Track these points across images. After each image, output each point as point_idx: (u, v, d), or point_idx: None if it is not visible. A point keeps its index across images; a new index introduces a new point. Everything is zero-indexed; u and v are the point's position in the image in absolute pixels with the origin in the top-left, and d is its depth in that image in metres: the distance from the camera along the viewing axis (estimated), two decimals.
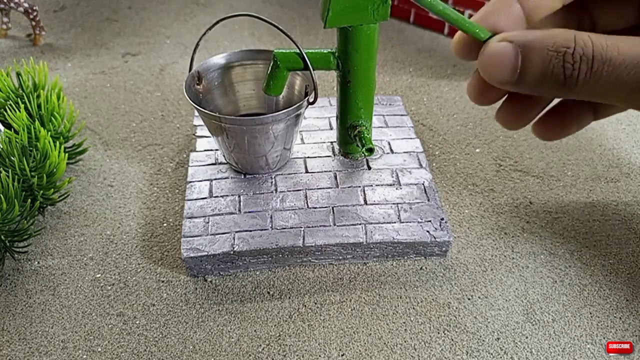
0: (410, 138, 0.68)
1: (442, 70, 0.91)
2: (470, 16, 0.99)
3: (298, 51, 0.53)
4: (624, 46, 0.18)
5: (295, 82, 0.62)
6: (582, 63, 0.18)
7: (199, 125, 0.70)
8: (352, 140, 0.59)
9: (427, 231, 0.56)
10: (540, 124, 0.24)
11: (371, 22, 0.50)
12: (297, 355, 0.49)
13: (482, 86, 0.22)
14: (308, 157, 0.65)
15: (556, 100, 0.26)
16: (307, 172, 0.63)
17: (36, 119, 0.65)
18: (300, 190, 0.61)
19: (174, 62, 0.94)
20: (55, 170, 0.62)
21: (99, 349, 0.50)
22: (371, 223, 0.57)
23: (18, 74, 0.70)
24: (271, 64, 0.54)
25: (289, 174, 0.63)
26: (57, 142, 0.63)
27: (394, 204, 0.59)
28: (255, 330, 0.51)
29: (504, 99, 0.24)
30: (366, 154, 0.58)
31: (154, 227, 0.62)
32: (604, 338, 0.51)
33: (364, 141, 0.56)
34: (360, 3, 0.47)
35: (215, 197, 0.60)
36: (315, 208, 0.58)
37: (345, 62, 0.53)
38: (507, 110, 0.24)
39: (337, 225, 0.57)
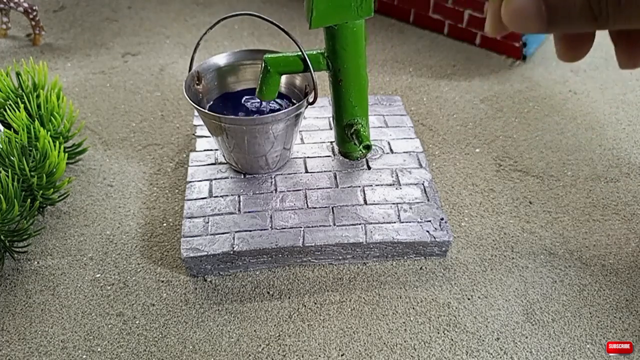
0: (410, 138, 0.68)
1: (442, 70, 0.90)
2: (470, 16, 0.99)
3: (288, 55, 0.53)
4: None
5: (295, 82, 0.62)
6: (609, 1, 0.18)
7: (198, 125, 0.70)
8: (349, 138, 0.58)
9: (427, 231, 0.56)
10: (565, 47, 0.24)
11: (356, 19, 0.50)
12: (296, 355, 0.49)
13: (501, 19, 0.22)
14: (308, 157, 0.65)
15: None
16: (306, 172, 0.63)
17: (36, 119, 0.65)
18: (300, 190, 0.61)
19: (173, 62, 0.94)
20: (55, 170, 0.62)
21: (99, 349, 0.50)
22: (371, 223, 0.57)
23: (18, 74, 0.70)
24: (262, 69, 0.54)
25: (288, 174, 0.63)
26: (57, 142, 0.63)
27: (393, 204, 0.59)
28: (255, 330, 0.51)
29: (555, 36, 0.24)
30: (364, 151, 0.58)
31: (154, 227, 0.62)
32: (604, 338, 0.51)
33: (361, 139, 0.56)
34: (343, 1, 0.47)
35: (215, 197, 0.60)
36: (315, 208, 0.58)
37: (334, 61, 0.53)
38: (563, 43, 0.23)
39: (337, 225, 0.56)
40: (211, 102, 0.62)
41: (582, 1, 0.18)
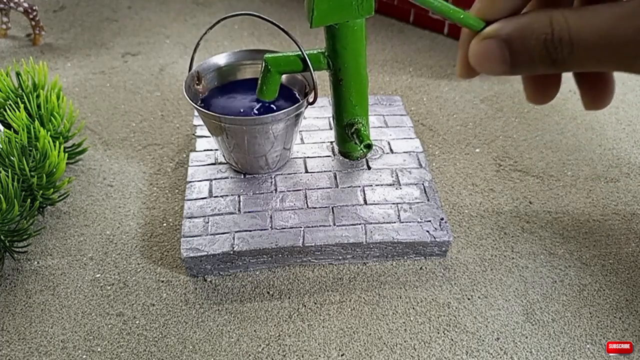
0: (410, 138, 0.68)
1: (441, 70, 0.90)
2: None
3: (288, 54, 0.53)
4: (595, 22, 0.18)
5: (295, 84, 0.62)
6: (563, 46, 0.19)
7: (198, 125, 0.70)
8: (349, 138, 0.58)
9: (427, 231, 0.56)
10: (531, 90, 0.25)
11: (357, 18, 0.50)
12: (296, 355, 0.49)
13: (469, 64, 0.23)
14: (308, 157, 0.65)
15: None
16: (306, 172, 0.63)
17: (36, 119, 0.65)
18: (300, 190, 0.61)
19: (173, 62, 0.94)
20: (55, 170, 0.62)
21: (99, 349, 0.50)
22: (371, 223, 0.57)
23: (18, 74, 0.70)
24: (262, 69, 0.54)
25: (288, 173, 0.63)
26: (57, 142, 0.63)
27: (393, 204, 0.59)
28: (255, 330, 0.51)
29: (523, 81, 0.25)
30: (365, 150, 0.58)
31: (154, 227, 0.62)
32: (604, 338, 0.51)
33: (361, 138, 0.56)
34: (344, 0, 0.47)
35: (215, 197, 0.60)
36: (315, 208, 0.58)
37: (335, 60, 0.53)
38: (531, 88, 0.25)
39: (337, 225, 0.56)
40: (206, 94, 0.61)
41: (540, 47, 0.20)
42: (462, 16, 0.23)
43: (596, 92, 0.24)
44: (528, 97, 0.25)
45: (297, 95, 0.61)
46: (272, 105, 0.58)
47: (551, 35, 0.19)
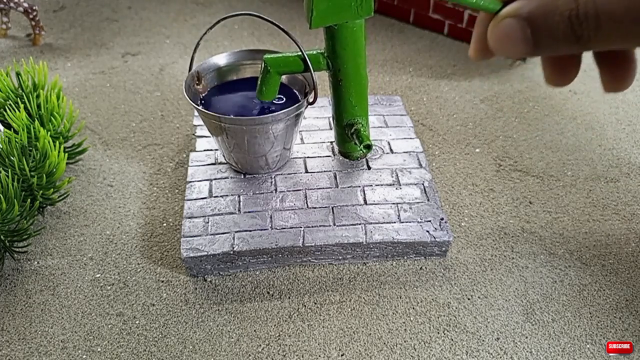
0: (410, 138, 0.68)
1: (442, 70, 0.90)
2: (470, 16, 0.99)
3: (288, 55, 0.53)
4: None
5: (295, 84, 0.62)
6: (590, 21, 0.19)
7: (198, 125, 0.70)
8: (349, 138, 0.58)
9: (427, 231, 0.56)
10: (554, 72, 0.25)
11: (356, 19, 0.50)
12: (296, 355, 0.49)
13: (485, 44, 0.23)
14: (308, 157, 0.65)
15: None
16: (306, 172, 0.63)
17: (36, 119, 0.65)
18: (300, 190, 0.61)
19: (173, 62, 0.94)
20: (55, 170, 0.62)
21: (99, 349, 0.50)
22: (371, 223, 0.57)
23: (18, 74, 0.70)
24: (262, 70, 0.54)
25: (288, 174, 0.63)
26: (57, 142, 0.63)
27: (393, 204, 0.59)
28: (255, 330, 0.51)
29: (543, 62, 0.25)
30: (365, 150, 0.58)
31: (154, 227, 0.62)
32: (604, 338, 0.51)
33: (361, 138, 0.56)
34: (343, 0, 0.47)
35: (215, 197, 0.60)
36: (315, 208, 0.58)
37: (334, 61, 0.53)
38: (550, 69, 0.24)
39: (337, 225, 0.56)
40: (205, 93, 0.61)
41: (564, 24, 0.19)
42: (479, 1, 0.22)
43: (617, 71, 0.23)
44: (547, 79, 0.25)
45: (297, 94, 0.61)
46: (273, 101, 0.58)
47: (576, 11, 0.19)
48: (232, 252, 0.54)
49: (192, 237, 0.55)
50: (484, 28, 0.22)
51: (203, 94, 0.61)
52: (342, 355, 0.49)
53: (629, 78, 0.23)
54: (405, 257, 0.58)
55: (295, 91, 0.61)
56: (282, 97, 0.59)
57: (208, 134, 0.67)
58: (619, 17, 0.18)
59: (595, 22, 0.18)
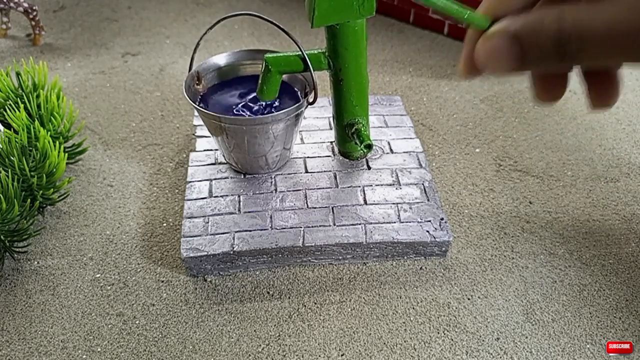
0: (410, 138, 0.68)
1: (442, 70, 0.90)
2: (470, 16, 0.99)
3: (289, 54, 0.53)
4: (604, 15, 0.19)
5: (295, 82, 0.62)
6: (572, 41, 0.19)
7: (198, 125, 0.70)
8: (350, 138, 0.59)
9: (427, 231, 0.56)
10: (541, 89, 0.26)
11: (358, 18, 0.50)
12: (296, 355, 0.49)
13: (474, 62, 0.23)
14: (308, 157, 0.65)
15: None
16: (306, 172, 0.63)
17: (36, 119, 0.65)
18: (300, 190, 0.61)
19: (173, 62, 0.94)
20: (54, 170, 0.62)
21: (99, 349, 0.50)
22: (371, 223, 0.57)
23: (18, 74, 0.70)
24: (263, 69, 0.54)
25: (288, 174, 0.63)
26: (57, 142, 0.63)
27: (393, 203, 0.59)
28: (255, 330, 0.51)
29: (531, 80, 0.26)
30: (365, 150, 0.58)
31: (154, 227, 0.62)
32: (604, 338, 0.51)
33: (362, 138, 0.56)
34: (345, 0, 0.47)
35: (215, 197, 0.60)
36: (315, 208, 0.58)
37: (335, 60, 0.53)
38: (539, 86, 0.25)
39: (337, 225, 0.56)
40: (205, 91, 0.61)
41: (550, 42, 0.20)
42: (466, 16, 0.22)
43: (603, 90, 0.24)
44: (536, 96, 0.25)
45: (298, 92, 0.61)
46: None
47: (559, 32, 0.19)
48: (232, 252, 0.54)
49: (192, 237, 0.55)
50: (472, 46, 0.23)
51: (202, 93, 0.61)
52: (342, 355, 0.49)
53: (614, 95, 0.24)
54: (405, 257, 0.58)
55: (296, 89, 0.61)
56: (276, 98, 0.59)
57: (208, 134, 0.67)
58: (600, 37, 0.19)
59: (578, 42, 0.19)
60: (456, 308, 0.53)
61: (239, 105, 0.59)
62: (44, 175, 0.59)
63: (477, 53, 0.22)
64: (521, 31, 0.20)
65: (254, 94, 0.59)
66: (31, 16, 0.95)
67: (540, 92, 0.25)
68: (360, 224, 0.57)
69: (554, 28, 0.19)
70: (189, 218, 0.57)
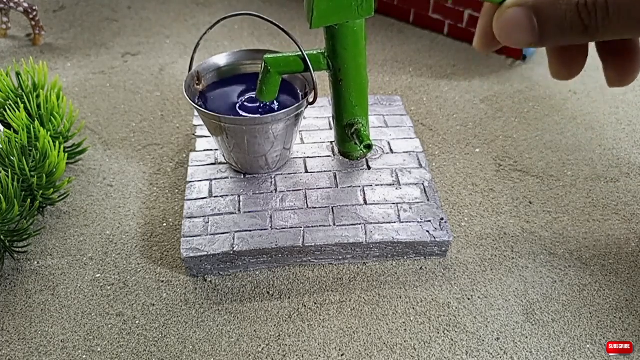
0: (410, 138, 0.68)
1: (441, 70, 0.90)
2: (470, 16, 0.99)
3: (288, 55, 0.53)
4: None
5: (295, 82, 0.62)
6: (598, 11, 0.18)
7: (198, 125, 0.70)
8: (350, 138, 0.59)
9: (427, 231, 0.56)
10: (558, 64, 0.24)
11: (357, 19, 0.50)
12: (296, 355, 0.49)
13: (490, 35, 0.22)
14: (308, 157, 0.65)
15: None
16: (306, 172, 0.63)
17: (36, 119, 0.65)
18: (300, 190, 0.61)
19: (173, 62, 0.94)
20: (54, 170, 0.62)
21: (99, 349, 0.50)
22: (371, 223, 0.57)
23: (18, 74, 0.70)
24: (262, 70, 0.54)
25: (288, 173, 0.63)
26: (57, 142, 0.63)
27: (393, 203, 0.59)
28: (255, 330, 0.51)
29: (549, 55, 0.24)
30: (365, 150, 0.58)
31: (154, 227, 0.62)
32: (604, 338, 0.51)
33: (361, 138, 0.56)
34: (344, 0, 0.47)
35: (215, 197, 0.60)
36: (315, 208, 0.58)
37: (334, 61, 0.53)
38: (556, 62, 0.24)
39: (337, 225, 0.56)
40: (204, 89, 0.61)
41: (572, 13, 0.19)
42: None
43: (623, 64, 0.22)
44: (553, 73, 0.24)
45: (298, 91, 0.61)
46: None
47: (585, 0, 0.18)
48: (232, 252, 0.54)
49: (192, 237, 0.55)
50: (489, 18, 0.22)
51: (202, 90, 0.61)
52: (342, 355, 0.49)
53: (635, 71, 0.22)
54: (405, 257, 0.58)
55: (296, 87, 0.61)
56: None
57: (208, 134, 0.67)
58: (627, 6, 0.18)
59: (603, 12, 0.18)
60: (456, 308, 0.53)
61: (242, 101, 0.59)
62: (44, 175, 0.59)
63: (495, 25, 0.21)
64: (541, 2, 0.19)
65: (253, 92, 0.59)
66: (31, 16, 0.95)
67: (557, 67, 0.24)
68: (360, 224, 0.57)
69: None
70: (189, 218, 0.57)
